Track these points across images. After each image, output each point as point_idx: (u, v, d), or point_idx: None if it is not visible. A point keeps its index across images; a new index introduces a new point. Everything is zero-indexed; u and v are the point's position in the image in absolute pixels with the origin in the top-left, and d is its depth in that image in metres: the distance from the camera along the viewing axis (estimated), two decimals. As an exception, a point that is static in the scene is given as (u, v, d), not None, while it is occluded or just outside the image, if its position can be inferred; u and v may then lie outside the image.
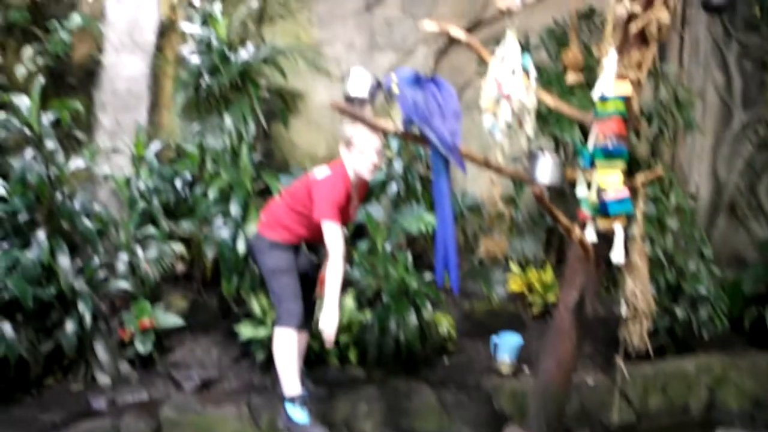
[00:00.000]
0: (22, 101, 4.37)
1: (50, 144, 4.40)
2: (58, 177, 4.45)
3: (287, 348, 3.76)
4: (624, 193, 2.98)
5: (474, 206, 5.86)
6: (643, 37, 3.15)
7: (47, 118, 4.43)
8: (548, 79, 4.75)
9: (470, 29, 6.09)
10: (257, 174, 4.89)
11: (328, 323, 3.64)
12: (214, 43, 5.21)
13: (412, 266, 4.80)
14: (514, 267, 5.62)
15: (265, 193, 4.85)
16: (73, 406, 4.04)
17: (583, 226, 3.14)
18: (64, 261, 4.27)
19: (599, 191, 3.01)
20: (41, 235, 4.30)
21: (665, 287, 4.81)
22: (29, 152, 4.38)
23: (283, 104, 5.54)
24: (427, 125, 3.11)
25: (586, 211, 3.08)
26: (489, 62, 3.13)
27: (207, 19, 5.36)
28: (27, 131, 4.38)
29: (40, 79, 4.49)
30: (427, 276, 4.80)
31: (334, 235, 3.65)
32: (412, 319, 4.53)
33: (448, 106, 3.12)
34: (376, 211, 5.21)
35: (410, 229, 5.13)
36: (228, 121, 4.94)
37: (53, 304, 4.25)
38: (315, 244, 4.03)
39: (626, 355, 3.65)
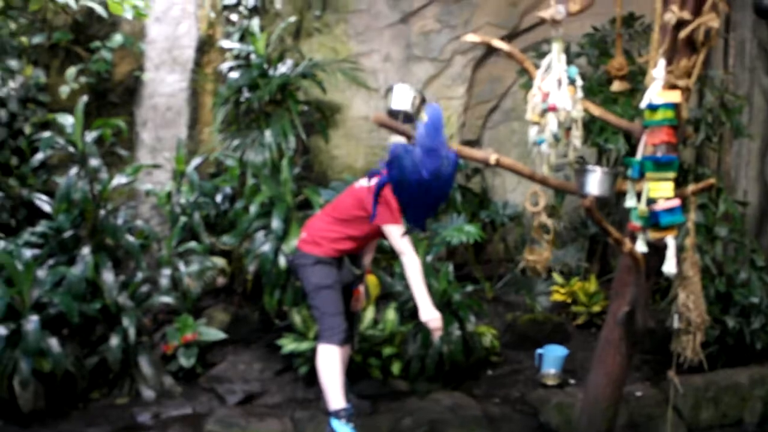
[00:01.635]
0: (67, 120, 4.45)
1: (94, 161, 4.47)
2: (102, 193, 4.52)
3: (331, 364, 3.74)
4: (675, 202, 2.91)
5: (514, 216, 5.81)
6: (690, 44, 3.07)
7: (90, 136, 4.51)
8: (590, 87, 4.68)
9: (509, 38, 6.06)
10: (297, 187, 4.90)
11: (429, 317, 3.69)
12: (253, 58, 5.27)
13: (454, 278, 4.76)
14: (558, 277, 5.54)
15: (306, 206, 4.86)
16: (119, 420, 4.07)
17: (632, 238, 3.08)
18: (108, 276, 4.33)
19: (649, 201, 2.94)
20: (86, 251, 4.36)
21: (715, 297, 4.70)
22: (73, 170, 4.46)
23: (322, 117, 5.55)
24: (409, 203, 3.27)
25: (636, 222, 3.02)
26: (531, 72, 3.09)
27: (245, 35, 5.43)
28: (71, 149, 4.47)
29: (84, 98, 4.57)
30: (470, 287, 4.76)
31: (399, 236, 3.66)
32: (456, 331, 4.49)
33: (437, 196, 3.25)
34: (417, 222, 5.17)
35: (451, 241, 5.09)
36: (268, 135, 4.96)
37: (98, 319, 4.30)
38: (357, 256, 4.01)
39: (677, 367, 3.58)
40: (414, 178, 3.09)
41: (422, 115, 3.08)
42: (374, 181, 3.74)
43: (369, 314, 4.57)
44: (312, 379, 4.26)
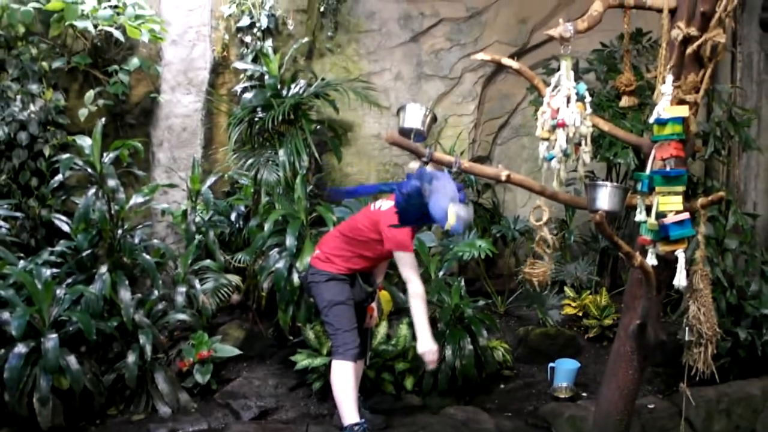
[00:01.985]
0: (85, 142, 4.54)
1: (111, 182, 4.55)
2: (119, 213, 4.60)
3: (344, 379, 3.78)
4: (684, 216, 2.95)
5: (525, 230, 5.85)
6: (698, 59, 3.12)
7: (108, 157, 4.59)
8: (599, 102, 4.74)
9: (518, 55, 6.13)
10: (310, 205, 4.97)
11: (426, 349, 3.73)
12: (267, 79, 5.35)
13: (466, 293, 4.80)
14: (569, 291, 5.57)
15: (319, 223, 4.92)
16: (136, 436, 4.12)
17: (643, 251, 3.11)
18: (125, 294, 4.39)
19: (659, 215, 2.98)
20: (103, 269, 4.44)
21: (726, 309, 4.70)
22: (92, 190, 4.54)
23: (334, 136, 5.63)
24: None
25: (646, 235, 3.05)
26: (541, 89, 3.14)
27: (259, 57, 5.52)
28: (90, 170, 4.55)
29: (101, 120, 4.66)
30: (481, 302, 4.79)
31: (409, 264, 3.72)
32: (468, 345, 4.52)
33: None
34: (428, 238, 5.23)
35: (462, 256, 5.13)
36: (281, 154, 5.03)
37: (115, 337, 4.36)
38: (369, 274, 4.06)
39: (689, 379, 3.59)
40: (418, 215, 3.16)
41: (452, 217, 3.03)
42: (389, 205, 3.79)
43: (382, 330, 4.61)
44: (325, 394, 4.30)
